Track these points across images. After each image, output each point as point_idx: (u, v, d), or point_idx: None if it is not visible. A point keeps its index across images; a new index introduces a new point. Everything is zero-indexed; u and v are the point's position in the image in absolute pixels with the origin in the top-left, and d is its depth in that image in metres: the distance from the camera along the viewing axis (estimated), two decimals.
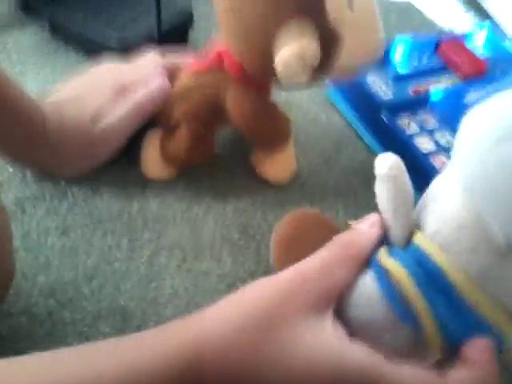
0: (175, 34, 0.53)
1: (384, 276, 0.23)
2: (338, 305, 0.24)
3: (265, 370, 0.22)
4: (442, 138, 0.47)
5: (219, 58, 0.38)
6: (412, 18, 0.67)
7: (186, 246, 0.38)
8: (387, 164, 0.25)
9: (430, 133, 0.47)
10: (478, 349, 0.22)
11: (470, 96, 0.51)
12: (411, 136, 0.46)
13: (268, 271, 0.37)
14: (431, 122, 0.48)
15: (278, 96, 0.41)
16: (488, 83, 0.52)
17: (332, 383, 0.22)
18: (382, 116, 0.46)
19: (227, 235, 0.39)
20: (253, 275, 0.37)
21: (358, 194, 0.43)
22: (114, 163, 0.41)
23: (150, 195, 0.41)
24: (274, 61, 0.32)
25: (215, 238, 0.39)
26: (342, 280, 0.24)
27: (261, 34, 0.33)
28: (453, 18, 0.67)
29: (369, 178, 0.40)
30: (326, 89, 0.52)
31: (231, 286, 0.36)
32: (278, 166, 0.43)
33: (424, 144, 0.46)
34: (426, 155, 0.44)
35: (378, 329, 0.24)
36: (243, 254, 0.38)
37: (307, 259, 0.25)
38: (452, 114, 0.49)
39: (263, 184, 0.43)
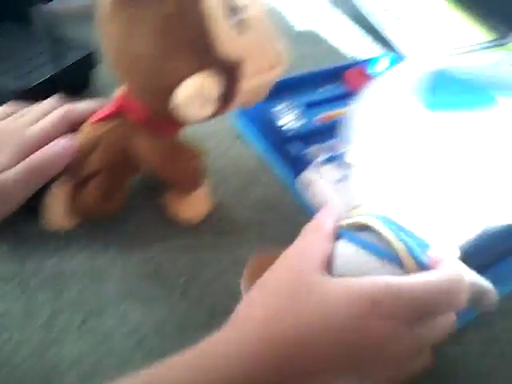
0: (78, 76, 0.51)
1: (354, 234, 0.28)
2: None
3: (306, 324, 0.24)
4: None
5: (122, 103, 0.37)
6: (319, 47, 0.69)
7: (87, 304, 0.35)
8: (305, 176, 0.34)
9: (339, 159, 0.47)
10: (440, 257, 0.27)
11: None
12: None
13: (182, 320, 0.35)
14: (340, 148, 0.49)
15: (187, 129, 0.40)
16: None
17: (370, 310, 0.24)
18: (290, 147, 0.46)
19: (133, 287, 0.37)
20: (164, 326, 0.34)
21: (273, 229, 0.42)
22: (9, 218, 0.38)
23: (49, 250, 0.38)
24: (173, 101, 0.31)
25: (120, 291, 0.36)
26: (321, 252, 0.27)
27: (153, 72, 0.32)
28: (359, 46, 0.70)
29: (282, 210, 0.40)
30: (237, 120, 0.52)
31: (141, 342, 0.33)
32: (191, 206, 0.41)
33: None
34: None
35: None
36: (152, 306, 0.36)
37: (289, 248, 0.28)
38: None
39: (175, 227, 0.41)
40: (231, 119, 0.52)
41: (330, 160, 0.47)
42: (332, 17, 0.76)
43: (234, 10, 0.31)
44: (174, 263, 0.39)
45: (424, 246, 0.28)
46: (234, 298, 0.30)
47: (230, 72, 0.32)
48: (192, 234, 0.41)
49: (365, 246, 0.28)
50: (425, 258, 0.27)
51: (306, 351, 0.24)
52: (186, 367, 0.24)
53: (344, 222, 0.30)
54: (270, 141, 0.49)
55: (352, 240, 0.28)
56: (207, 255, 0.39)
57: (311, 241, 0.28)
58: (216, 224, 0.42)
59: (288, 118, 0.51)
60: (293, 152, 0.46)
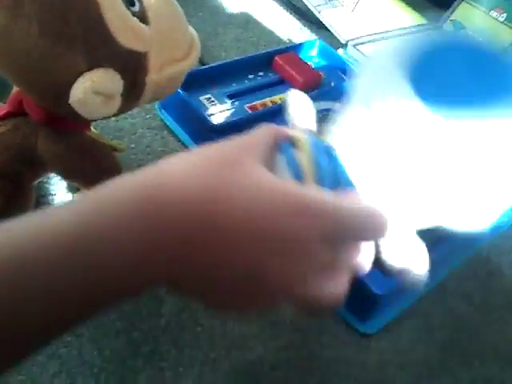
0: None
1: (288, 147, 0.27)
2: None
3: (227, 197, 0.22)
4: None
5: (20, 101, 0.33)
6: (252, 31, 0.67)
7: None
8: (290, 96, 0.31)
9: None
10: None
11: None
12: None
13: None
14: None
15: (107, 123, 0.37)
16: (324, 94, 0.52)
17: (299, 212, 0.22)
18: (217, 138, 0.44)
19: None
20: None
21: None
22: None
23: None
24: (70, 99, 0.28)
25: None
26: (265, 147, 0.26)
27: (41, 70, 0.28)
28: (291, 29, 0.69)
29: None
30: (161, 112, 0.49)
31: None
32: None
33: None
34: None
35: None
36: None
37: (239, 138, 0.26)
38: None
39: None
40: (155, 110, 0.49)
41: None
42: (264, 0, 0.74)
43: None
44: None
45: (345, 183, 0.27)
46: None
47: (133, 65, 0.30)
48: None
49: (289, 161, 0.27)
50: (328, 187, 0.26)
51: (219, 226, 0.21)
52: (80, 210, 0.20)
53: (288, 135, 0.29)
54: (197, 132, 0.47)
55: (283, 152, 0.27)
56: None
57: (259, 135, 0.27)
58: None
59: (216, 107, 0.49)
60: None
